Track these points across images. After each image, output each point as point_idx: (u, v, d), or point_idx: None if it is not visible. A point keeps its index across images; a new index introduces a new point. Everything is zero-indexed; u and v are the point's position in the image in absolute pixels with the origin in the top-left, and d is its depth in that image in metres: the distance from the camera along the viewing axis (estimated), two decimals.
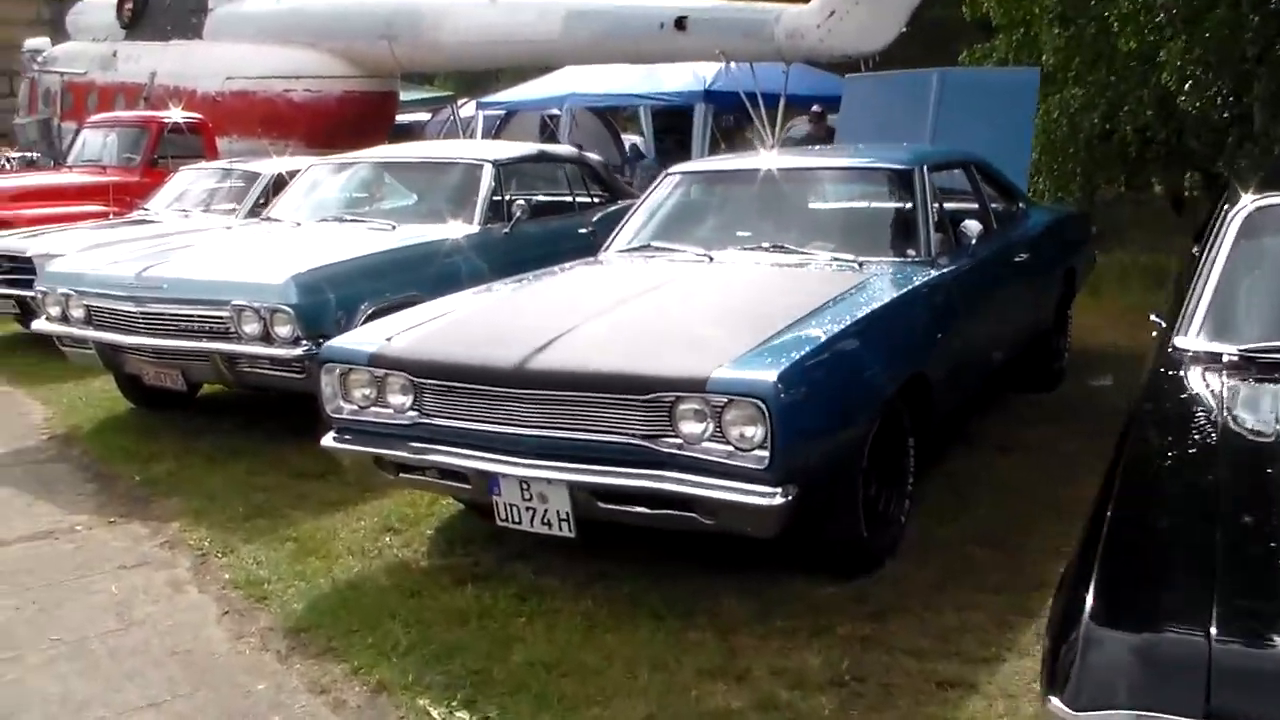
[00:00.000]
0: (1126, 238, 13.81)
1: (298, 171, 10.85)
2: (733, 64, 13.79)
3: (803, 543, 4.66)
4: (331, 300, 6.71)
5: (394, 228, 7.89)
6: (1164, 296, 10.57)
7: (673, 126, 21.93)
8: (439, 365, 4.79)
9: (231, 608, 4.78)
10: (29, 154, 19.03)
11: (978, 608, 4.58)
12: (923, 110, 9.47)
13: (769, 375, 4.14)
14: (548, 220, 8.76)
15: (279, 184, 10.53)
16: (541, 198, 8.98)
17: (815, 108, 13.99)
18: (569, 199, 9.31)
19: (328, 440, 5.13)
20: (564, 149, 10.02)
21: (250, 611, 4.73)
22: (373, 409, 5.02)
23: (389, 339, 5.07)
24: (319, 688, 4.06)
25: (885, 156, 6.82)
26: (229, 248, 7.73)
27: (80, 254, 7.92)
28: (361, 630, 4.45)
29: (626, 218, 6.90)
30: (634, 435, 4.32)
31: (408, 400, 4.89)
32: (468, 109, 21.77)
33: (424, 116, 24.05)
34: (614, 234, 6.78)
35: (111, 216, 11.32)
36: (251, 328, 6.59)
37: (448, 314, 5.44)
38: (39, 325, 7.59)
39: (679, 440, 4.25)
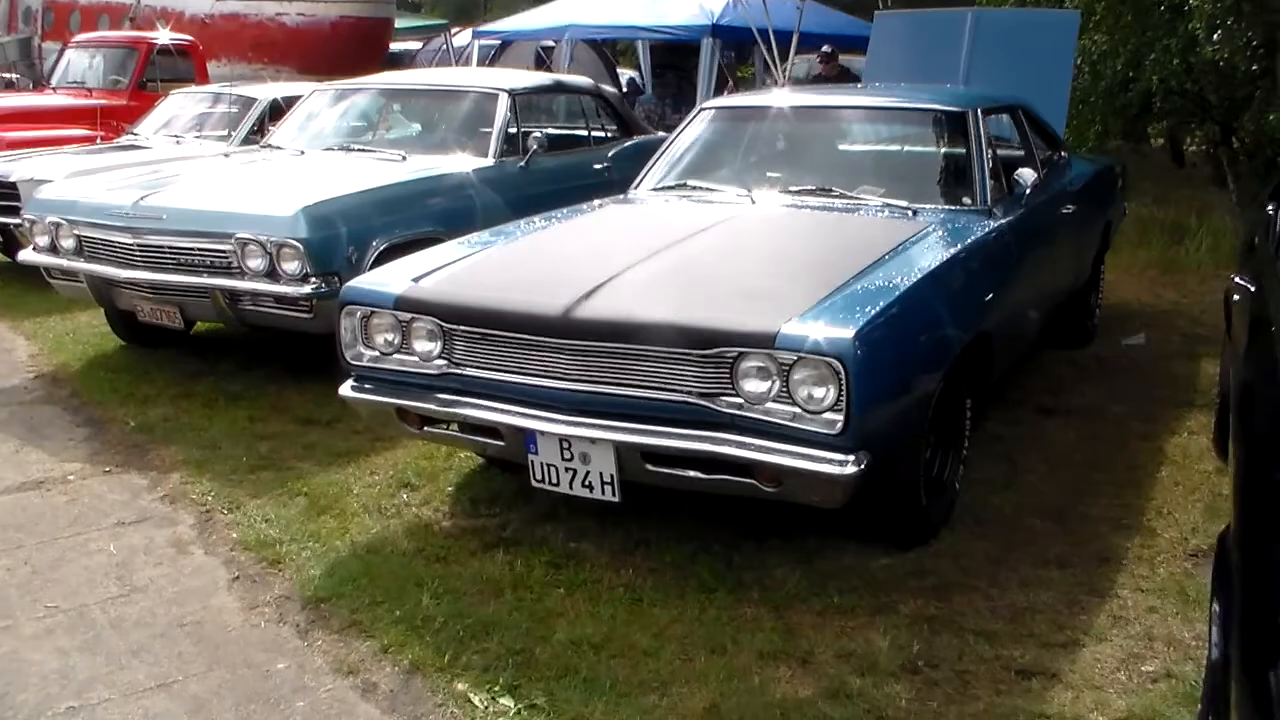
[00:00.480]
0: (1134, 190, 13.39)
1: (296, 98, 10.40)
2: None
3: (857, 510, 4.26)
4: (343, 234, 6.29)
5: (404, 159, 7.45)
6: (1197, 252, 10.32)
7: (670, 62, 21.35)
8: (473, 310, 4.39)
9: (242, 572, 4.39)
10: (8, 74, 18.33)
11: (1044, 585, 4.26)
12: (955, 51, 9.01)
13: (845, 332, 3.77)
14: (563, 154, 8.33)
15: (275, 110, 10.04)
16: (555, 131, 8.45)
17: (826, 47, 13.48)
18: (584, 133, 8.82)
19: (346, 389, 4.73)
20: (580, 80, 9.50)
21: (263, 577, 4.35)
22: (396, 356, 4.63)
23: (416, 280, 4.65)
24: (346, 668, 3.68)
25: (937, 97, 6.41)
26: (231, 176, 7.24)
27: (72, 180, 7.44)
28: (387, 602, 4.08)
29: (658, 154, 6.45)
30: (690, 393, 3.98)
31: (435, 348, 4.50)
32: (460, 38, 21.11)
33: (415, 45, 23.35)
34: (645, 171, 6.36)
35: (99, 141, 10.76)
36: (256, 263, 6.16)
37: (476, 254, 5.03)
38: (26, 256, 7.10)
39: (739, 400, 3.92)
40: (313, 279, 6.10)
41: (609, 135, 9.10)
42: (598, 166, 8.62)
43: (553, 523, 4.76)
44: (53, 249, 6.95)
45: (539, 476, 4.35)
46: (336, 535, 4.70)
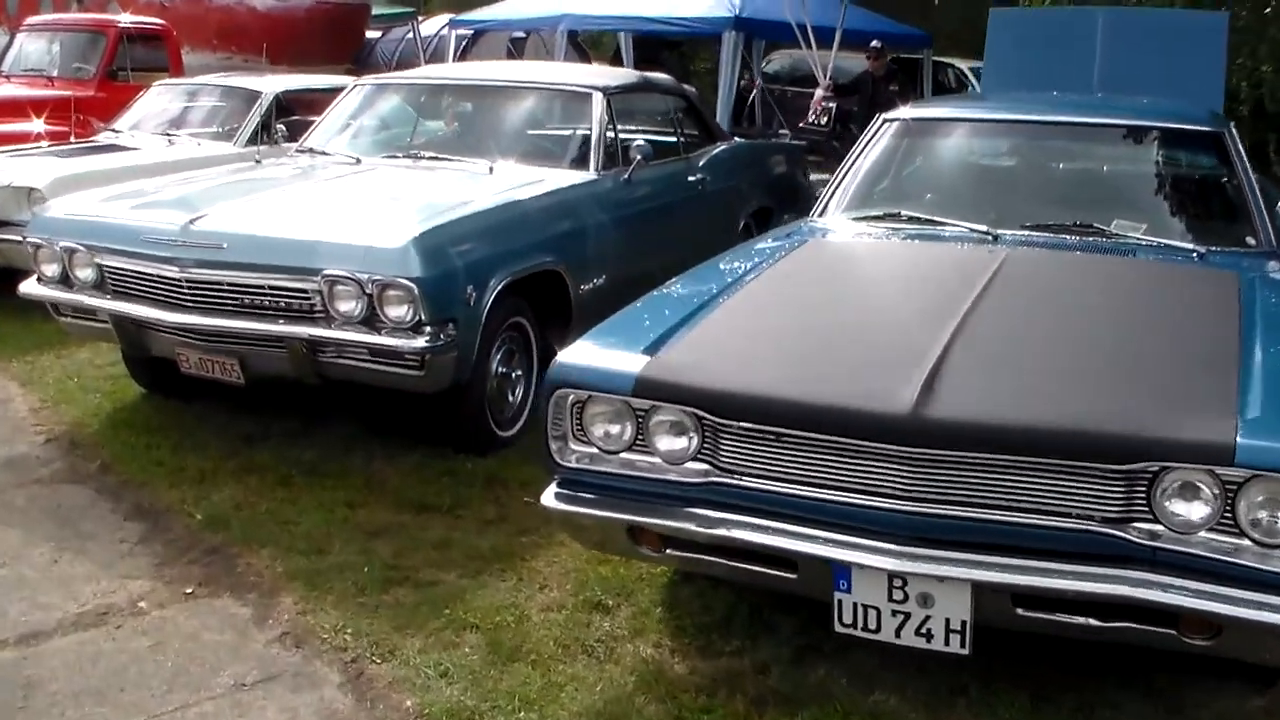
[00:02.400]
0: None
1: (304, 93, 9.03)
2: None
3: None
4: (460, 270, 5.01)
5: (491, 171, 6.06)
6: None
7: (653, 57, 20.09)
8: (764, 402, 3.24)
9: None
10: None
11: None
12: (1086, 54, 7.93)
13: None
14: (657, 165, 6.99)
15: (280, 108, 8.77)
16: (648, 137, 7.17)
17: (875, 43, 12.32)
18: (674, 139, 7.53)
19: (550, 499, 3.52)
20: (664, 77, 8.21)
21: None
22: (624, 456, 3.44)
23: (650, 352, 3.40)
24: None
25: (1177, 113, 5.30)
26: (300, 194, 5.83)
27: (89, 195, 5.94)
28: None
29: (840, 176, 5.26)
30: (1088, 517, 2.98)
31: (688, 445, 3.33)
32: (427, 27, 19.59)
33: (374, 34, 21.69)
34: (828, 194, 5.19)
35: (72, 139, 9.18)
36: (348, 306, 4.84)
37: (703, 315, 3.83)
38: (29, 289, 5.68)
39: (1159, 528, 2.96)
40: (427, 328, 4.78)
41: (692, 140, 7.81)
42: (692, 178, 7.40)
43: (824, 663, 3.60)
44: (64, 281, 5.52)
45: (848, 620, 3.22)
46: (548, 696, 3.45)
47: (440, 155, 6.44)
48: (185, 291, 5.10)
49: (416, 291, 4.74)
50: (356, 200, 5.72)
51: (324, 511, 4.75)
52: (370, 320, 4.89)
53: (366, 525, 4.65)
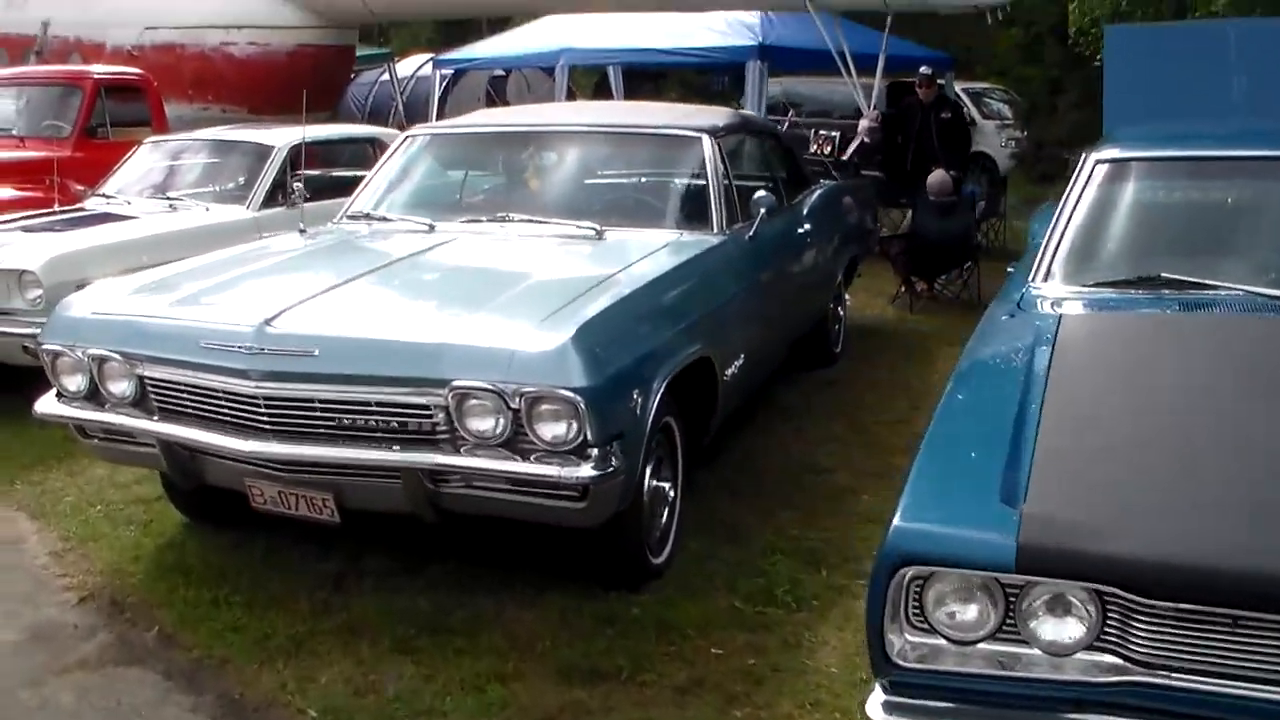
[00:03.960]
0: None
1: (319, 144, 7.90)
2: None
3: None
4: (626, 373, 3.97)
5: (598, 235, 5.00)
6: None
7: (646, 91, 19.17)
8: (1218, 577, 2.24)
9: None
10: None
11: None
12: (1220, 69, 7.04)
13: None
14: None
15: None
16: (750, 184, 6.14)
17: (924, 69, 11.36)
18: (773, 185, 6.51)
19: (880, 710, 2.43)
20: (757, 117, 7.17)
21: None
22: (983, 647, 2.44)
23: (1015, 506, 2.36)
24: None
25: None
26: (392, 278, 4.69)
27: (114, 286, 4.81)
28: None
29: (1054, 229, 4.21)
30: None
31: (1084, 633, 2.36)
32: (404, 66, 18.51)
33: None
34: (1041, 256, 4.10)
35: (56, 204, 7.97)
36: (484, 426, 3.78)
37: (1047, 445, 2.74)
38: (47, 407, 4.51)
39: None
40: (593, 450, 3.71)
41: (787, 185, 6.80)
42: (800, 231, 6.35)
43: None
44: (92, 396, 4.31)
45: None
46: None
47: (531, 218, 5.31)
48: (262, 411, 3.95)
49: (582, 405, 3.66)
50: (465, 284, 4.64)
51: (473, 693, 3.67)
52: (513, 442, 3.75)
53: (534, 710, 3.59)
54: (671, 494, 4.52)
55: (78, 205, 8.13)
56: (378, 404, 3.90)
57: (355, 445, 3.95)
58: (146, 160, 8.53)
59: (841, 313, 7.89)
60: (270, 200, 7.70)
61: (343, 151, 9.05)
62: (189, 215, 7.49)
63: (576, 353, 3.72)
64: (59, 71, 11.29)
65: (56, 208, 8.04)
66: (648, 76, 19.43)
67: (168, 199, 7.83)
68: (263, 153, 7.90)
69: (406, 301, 4.42)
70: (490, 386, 3.72)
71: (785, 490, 5.48)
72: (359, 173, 8.64)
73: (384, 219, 5.63)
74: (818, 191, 7.11)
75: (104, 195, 8.19)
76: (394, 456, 3.89)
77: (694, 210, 5.45)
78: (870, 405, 6.88)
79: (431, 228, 5.39)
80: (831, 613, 4.26)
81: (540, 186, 5.86)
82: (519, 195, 5.78)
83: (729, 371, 4.94)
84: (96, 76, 10.37)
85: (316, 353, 3.91)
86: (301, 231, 5.67)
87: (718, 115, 6.37)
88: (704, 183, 5.50)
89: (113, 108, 10.27)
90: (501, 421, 3.77)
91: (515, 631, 4.07)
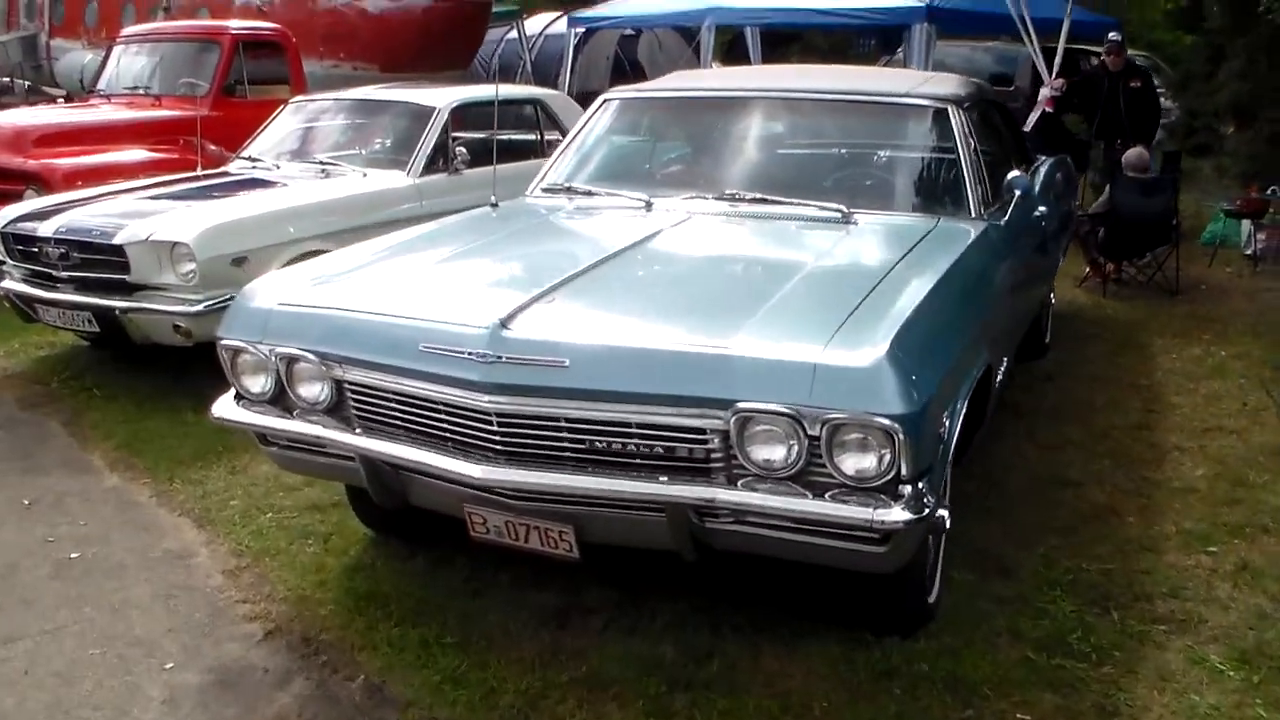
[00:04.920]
0: None
1: (480, 104, 7.24)
2: None
3: None
4: (937, 394, 3.23)
5: (846, 220, 4.27)
6: None
7: (776, 54, 18.20)
8: None
9: None
10: (10, 79, 14.87)
11: None
12: None
13: None
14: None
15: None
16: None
17: (1113, 35, 10.40)
18: (1008, 161, 5.73)
19: None
20: (985, 84, 6.37)
21: None
22: None
23: None
24: None
25: None
26: (635, 269, 3.99)
27: (300, 272, 4.16)
28: None
29: None
30: None
31: None
32: (532, 24, 17.73)
33: None
34: None
35: (199, 168, 7.40)
36: (772, 455, 3.13)
37: None
38: (225, 411, 3.85)
39: None
40: (906, 488, 2.96)
41: (1017, 160, 5.98)
42: (1037, 213, 5.53)
43: None
44: (278, 400, 3.64)
45: None
46: None
47: (766, 196, 4.56)
48: (495, 430, 3.26)
49: (900, 434, 2.94)
50: (721, 278, 3.97)
51: None
52: (802, 474, 3.02)
53: None
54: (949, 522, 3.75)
55: (221, 169, 7.54)
56: (640, 426, 3.20)
57: (609, 474, 3.27)
58: (292, 121, 7.93)
59: (1053, 299, 7.08)
60: (431, 166, 6.99)
61: (506, 114, 8.36)
62: (345, 182, 6.87)
63: (893, 371, 3.00)
64: (195, 27, 10.77)
65: (199, 171, 7.44)
66: (781, 39, 18.47)
67: (319, 163, 7.20)
68: (423, 114, 7.24)
69: (663, 301, 3.70)
70: (786, 410, 3.01)
71: (1038, 508, 4.82)
72: (523, 136, 8.00)
73: (588, 193, 4.91)
74: (1043, 168, 6.30)
75: (248, 158, 7.60)
76: (659, 489, 3.20)
77: (947, 192, 4.72)
78: (1100, 405, 6.13)
79: (648, 205, 4.67)
80: (1141, 669, 3.60)
81: (765, 161, 5.09)
82: (742, 170, 5.01)
83: (999, 378, 4.21)
84: (234, 32, 9.82)
85: (567, 363, 3.21)
86: (493, 205, 4.97)
87: (953, 82, 5.57)
88: (955, 159, 4.75)
89: (250, 65, 9.73)
90: (794, 451, 3.06)
91: (783, 688, 3.45)
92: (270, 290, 3.90)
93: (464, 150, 7.10)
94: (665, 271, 4.00)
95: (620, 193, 4.89)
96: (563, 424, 3.26)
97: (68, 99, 15.19)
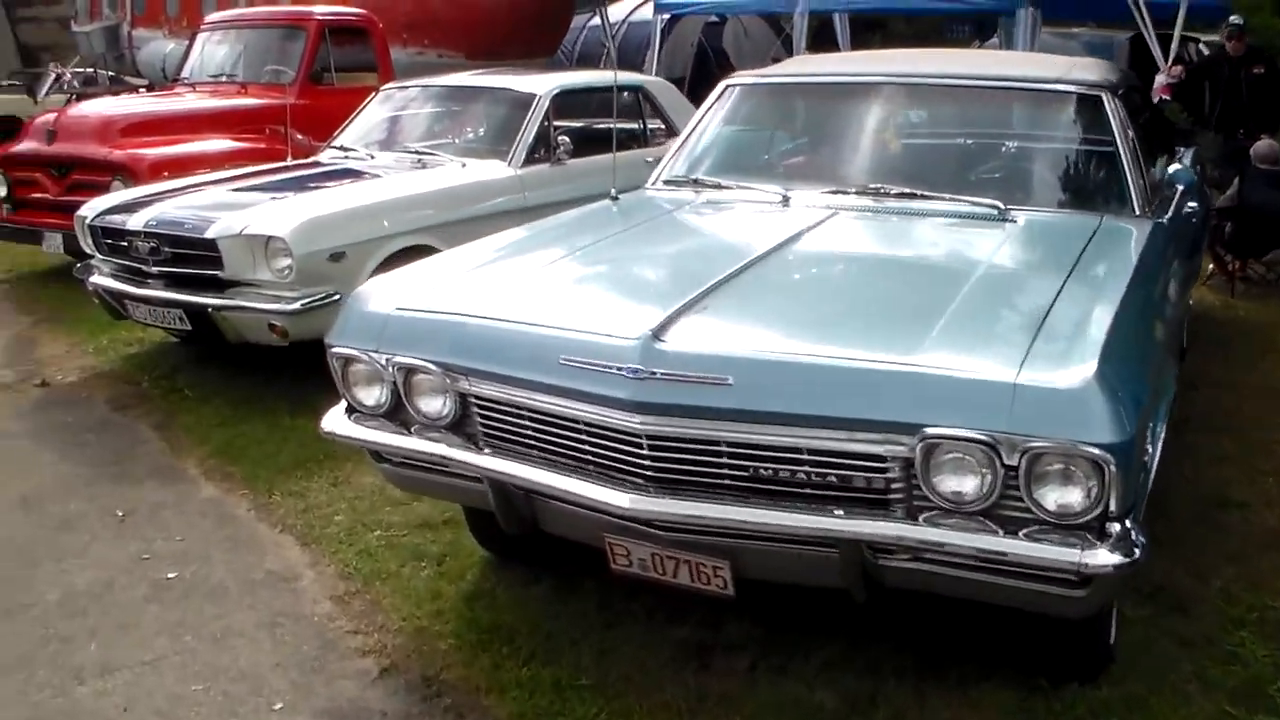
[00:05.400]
0: None
1: (578, 92, 6.88)
2: None
3: None
4: (1145, 420, 2.87)
5: (1003, 218, 3.89)
6: None
7: (861, 40, 17.67)
8: None
9: None
10: (94, 70, 14.77)
11: None
12: None
13: None
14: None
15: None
16: None
17: (1234, 19, 9.84)
18: (1156, 153, 5.31)
19: None
20: (1126, 69, 5.92)
21: None
22: None
23: None
24: None
25: None
26: (786, 274, 3.62)
27: (417, 272, 3.83)
28: None
29: None
30: None
31: None
32: (616, 10, 17.33)
33: None
34: None
35: (289, 158, 7.10)
36: (962, 486, 2.77)
37: None
38: (337, 426, 3.53)
39: None
40: (1113, 525, 2.69)
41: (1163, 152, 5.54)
42: (1187, 208, 5.09)
43: None
44: (393, 414, 3.31)
45: None
46: None
47: (913, 191, 4.15)
48: (645, 454, 2.89)
49: (1111, 466, 2.56)
50: (887, 284, 3.60)
51: None
52: (995, 510, 2.62)
53: None
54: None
55: (311, 160, 7.25)
56: (811, 452, 2.82)
57: (774, 505, 2.90)
58: (384, 109, 7.64)
59: (1190, 300, 6.61)
60: (532, 155, 6.65)
61: (608, 101, 7.99)
62: (444, 172, 6.54)
63: (1103, 394, 2.63)
64: (280, 13, 10.52)
65: (290, 162, 7.15)
66: (864, 27, 17.94)
67: (415, 153, 6.87)
68: (523, 101, 6.89)
69: (829, 310, 3.32)
70: (981, 436, 2.61)
71: (1205, 533, 4.39)
72: (627, 125, 7.64)
73: (716, 185, 4.53)
74: (1187, 159, 5.83)
75: (340, 148, 7.30)
76: (836, 524, 2.81)
77: (1107, 187, 4.33)
78: (1252, 416, 5.68)
79: (784, 199, 4.29)
80: None
81: (907, 152, 4.69)
82: (882, 162, 4.62)
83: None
84: (320, 18, 9.54)
85: (731, 381, 2.84)
86: (613, 199, 4.60)
87: (1102, 67, 5.13)
88: (1113, 151, 4.34)
89: (337, 52, 9.42)
90: (987, 482, 2.69)
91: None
92: (386, 293, 3.57)
93: (566, 139, 6.75)
94: (822, 276, 3.62)
95: (752, 185, 4.52)
96: (723, 449, 2.90)
97: (149, 88, 15.11)
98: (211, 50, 9.89)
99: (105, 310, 6.39)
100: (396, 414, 3.48)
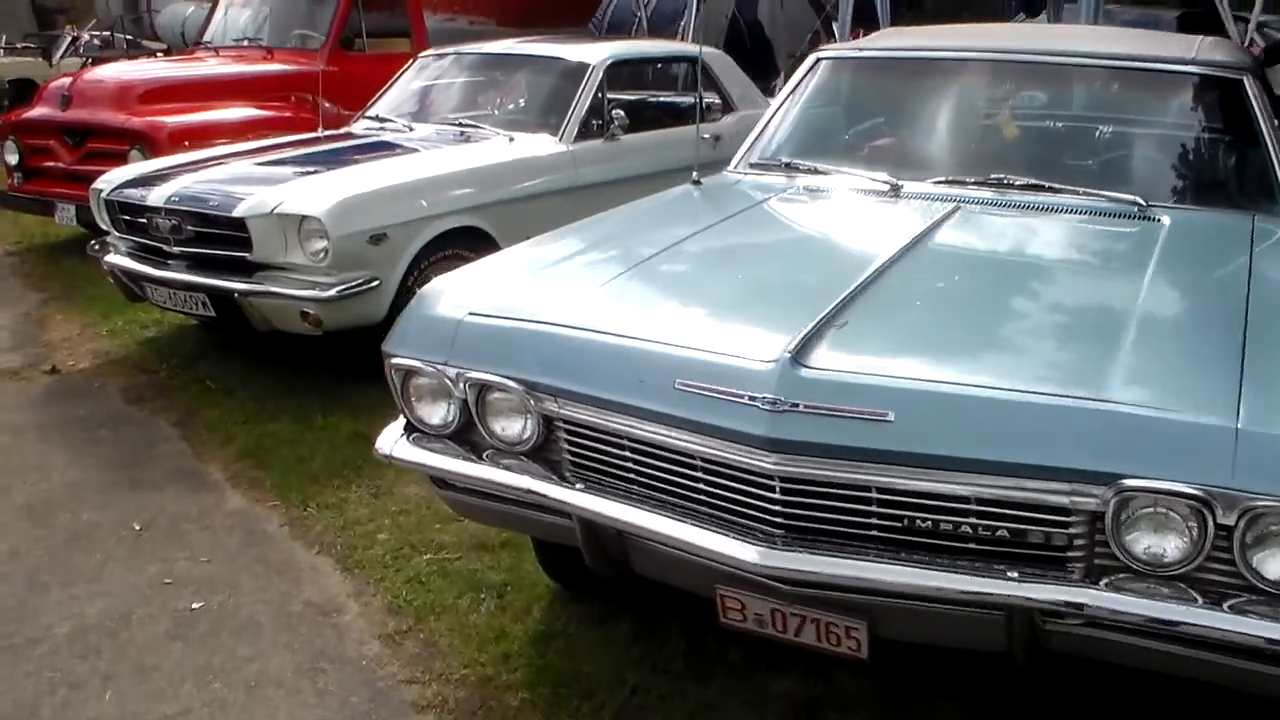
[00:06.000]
0: None
1: (637, 62, 6.41)
2: None
3: None
4: None
5: (1145, 213, 3.39)
6: None
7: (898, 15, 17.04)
8: None
9: None
10: (110, 33, 14.24)
11: None
12: None
13: None
14: None
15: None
16: None
17: None
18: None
19: None
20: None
21: None
22: None
23: None
24: None
25: None
26: (926, 282, 3.11)
27: (487, 267, 3.30)
28: None
29: None
30: None
31: None
32: None
33: None
34: None
35: (320, 129, 6.56)
36: (1162, 547, 2.30)
37: None
38: (396, 448, 3.06)
39: None
40: None
41: None
42: None
43: None
44: (462, 434, 2.80)
45: None
46: None
47: (1041, 183, 3.62)
48: (777, 499, 2.38)
49: None
50: (1054, 304, 3.02)
51: None
52: (1197, 576, 2.13)
53: None
54: None
55: (344, 130, 6.71)
56: (980, 501, 2.31)
57: (932, 563, 2.37)
58: (422, 77, 7.09)
59: None
60: (585, 130, 6.11)
61: (662, 73, 7.48)
62: (490, 147, 6.01)
63: None
64: None
65: (321, 133, 6.61)
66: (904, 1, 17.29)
67: (458, 125, 6.33)
68: (574, 71, 6.35)
69: (990, 331, 2.80)
70: (1193, 490, 2.11)
71: None
72: (680, 98, 7.13)
73: (813, 169, 3.99)
74: None
75: (375, 118, 6.77)
76: (1008, 588, 2.30)
77: (1254, 181, 3.82)
78: None
79: (893, 188, 3.74)
80: None
81: (1027, 139, 4.15)
82: (998, 149, 4.10)
83: None
84: None
85: (891, 417, 2.30)
86: (696, 184, 4.08)
87: (1229, 46, 4.58)
88: (1258, 142, 3.82)
89: (368, 17, 8.86)
90: (1193, 543, 2.17)
91: None
92: (455, 295, 3.06)
93: (621, 113, 6.22)
94: (970, 285, 3.08)
95: (854, 171, 3.99)
96: (872, 495, 2.38)
97: (167, 53, 14.58)
98: (235, 14, 9.35)
99: (121, 292, 5.87)
100: (465, 434, 2.98)
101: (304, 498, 4.31)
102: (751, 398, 2.42)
